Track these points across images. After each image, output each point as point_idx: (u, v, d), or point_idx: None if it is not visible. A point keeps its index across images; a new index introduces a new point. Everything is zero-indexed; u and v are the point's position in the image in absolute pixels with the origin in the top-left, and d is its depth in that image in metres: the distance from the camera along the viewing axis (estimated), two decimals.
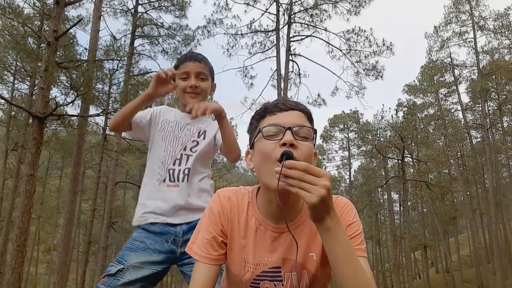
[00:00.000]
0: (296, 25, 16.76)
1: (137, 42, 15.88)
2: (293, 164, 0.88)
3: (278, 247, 1.07)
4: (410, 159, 27.93)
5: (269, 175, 0.98)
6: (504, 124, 28.77)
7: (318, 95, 17.43)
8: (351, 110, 31.52)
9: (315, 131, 1.05)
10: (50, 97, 9.01)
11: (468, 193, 29.32)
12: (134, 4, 15.77)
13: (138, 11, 15.86)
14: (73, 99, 10.61)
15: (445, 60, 26.64)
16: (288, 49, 16.21)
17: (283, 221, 1.03)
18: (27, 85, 17.42)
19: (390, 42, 16.46)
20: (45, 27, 14.09)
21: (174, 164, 1.76)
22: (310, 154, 1.02)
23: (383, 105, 41.76)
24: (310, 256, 1.08)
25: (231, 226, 1.11)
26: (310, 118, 1.08)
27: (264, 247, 1.08)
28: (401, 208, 30.76)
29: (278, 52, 16.03)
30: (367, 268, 0.97)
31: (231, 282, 1.16)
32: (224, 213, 1.11)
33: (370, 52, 16.55)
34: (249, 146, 1.13)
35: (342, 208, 1.09)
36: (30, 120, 11.29)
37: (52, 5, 9.52)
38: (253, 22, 16.85)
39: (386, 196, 34.83)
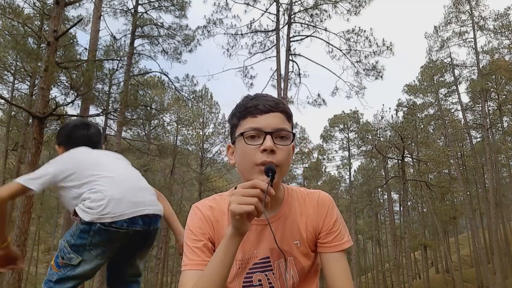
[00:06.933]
0: (296, 25, 16.76)
1: (137, 42, 15.91)
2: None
3: (264, 239, 1.10)
4: (410, 159, 27.93)
5: (251, 175, 1.01)
6: (504, 124, 28.75)
7: (318, 95, 17.45)
8: (351, 110, 31.53)
9: (293, 135, 1.07)
10: (50, 97, 9.01)
11: (468, 193, 29.31)
12: (134, 4, 15.78)
13: (138, 11, 15.87)
14: (73, 99, 10.63)
15: (445, 60, 26.60)
16: (288, 49, 16.19)
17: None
18: (27, 85, 17.41)
19: (390, 42, 16.46)
20: (45, 27, 14.08)
21: None
22: (288, 156, 1.05)
23: (383, 105, 41.97)
24: (295, 244, 1.11)
25: (217, 231, 1.10)
26: (289, 118, 1.09)
27: (251, 242, 1.10)
28: (401, 208, 30.75)
29: (278, 52, 16.01)
30: (345, 265, 1.09)
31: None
32: (207, 221, 1.10)
33: (370, 52, 16.55)
34: (230, 140, 1.14)
35: (328, 205, 1.13)
36: (30, 120, 11.29)
37: (52, 5, 9.52)
38: (253, 22, 16.86)
39: (386, 196, 34.83)
